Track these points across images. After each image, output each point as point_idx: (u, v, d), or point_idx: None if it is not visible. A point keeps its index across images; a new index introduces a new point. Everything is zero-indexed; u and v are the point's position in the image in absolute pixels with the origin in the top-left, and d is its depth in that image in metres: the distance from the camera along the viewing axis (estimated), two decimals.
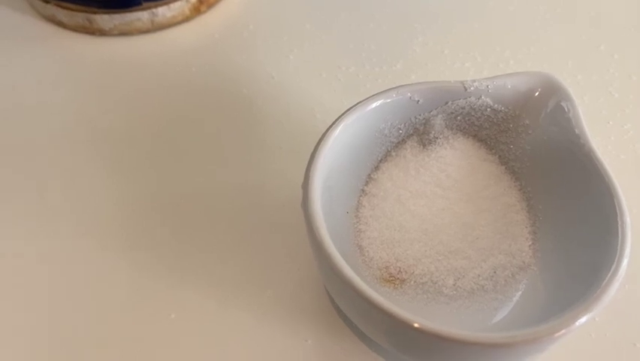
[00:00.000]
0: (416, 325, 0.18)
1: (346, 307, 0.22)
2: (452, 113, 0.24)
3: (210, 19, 0.35)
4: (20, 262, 0.26)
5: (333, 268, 0.19)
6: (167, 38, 0.34)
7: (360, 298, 0.19)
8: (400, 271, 0.23)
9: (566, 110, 0.23)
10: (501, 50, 0.34)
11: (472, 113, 0.24)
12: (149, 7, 0.33)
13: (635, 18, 0.36)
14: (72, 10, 0.33)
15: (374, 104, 0.23)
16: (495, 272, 0.23)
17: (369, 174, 0.25)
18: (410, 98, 0.23)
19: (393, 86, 0.32)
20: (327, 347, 0.24)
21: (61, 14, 0.34)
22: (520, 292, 0.23)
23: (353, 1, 0.37)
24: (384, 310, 0.18)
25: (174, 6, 0.34)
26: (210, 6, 0.35)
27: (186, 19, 0.35)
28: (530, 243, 0.24)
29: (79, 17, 0.33)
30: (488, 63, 0.33)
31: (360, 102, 0.23)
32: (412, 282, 0.23)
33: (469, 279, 0.23)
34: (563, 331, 0.18)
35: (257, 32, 0.35)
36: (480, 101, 0.24)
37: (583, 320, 0.18)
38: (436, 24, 0.36)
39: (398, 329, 0.18)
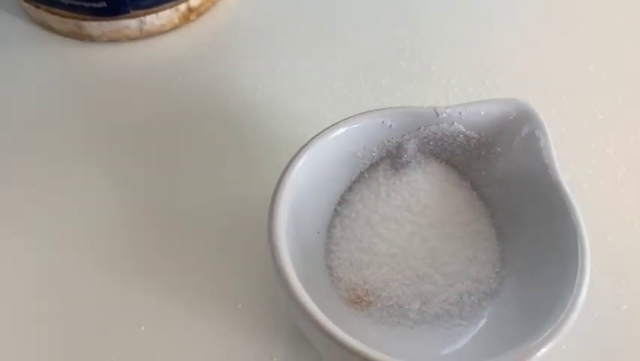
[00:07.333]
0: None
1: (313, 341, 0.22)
2: (425, 138, 0.24)
3: (199, 28, 0.36)
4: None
5: (302, 310, 0.19)
6: (155, 46, 0.35)
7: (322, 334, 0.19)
8: (367, 293, 0.24)
9: (538, 138, 0.23)
10: (488, 67, 0.34)
11: (445, 139, 0.24)
12: (137, 16, 0.33)
13: (626, 39, 0.36)
14: (62, 16, 0.33)
15: (342, 130, 0.23)
16: (461, 298, 0.23)
17: (343, 195, 0.25)
18: (382, 122, 0.24)
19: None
20: None
21: (52, 20, 0.34)
22: (484, 319, 0.23)
23: (342, 14, 0.37)
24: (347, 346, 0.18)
25: (163, 14, 0.34)
26: (200, 15, 0.36)
27: (175, 27, 0.35)
28: (498, 270, 0.24)
29: (69, 23, 0.34)
30: (474, 80, 0.33)
31: (327, 128, 0.23)
32: (379, 305, 0.23)
33: (434, 304, 0.23)
34: None
35: (245, 43, 0.35)
36: (452, 127, 0.24)
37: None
38: (424, 39, 0.35)
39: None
